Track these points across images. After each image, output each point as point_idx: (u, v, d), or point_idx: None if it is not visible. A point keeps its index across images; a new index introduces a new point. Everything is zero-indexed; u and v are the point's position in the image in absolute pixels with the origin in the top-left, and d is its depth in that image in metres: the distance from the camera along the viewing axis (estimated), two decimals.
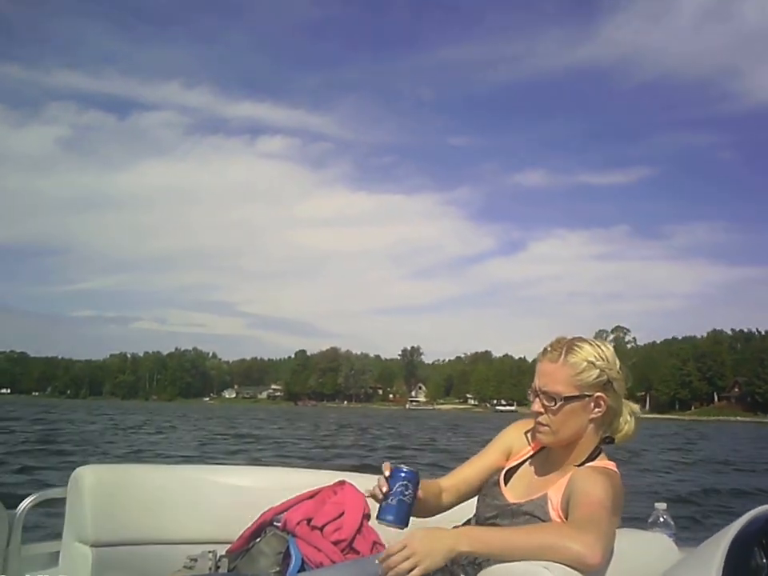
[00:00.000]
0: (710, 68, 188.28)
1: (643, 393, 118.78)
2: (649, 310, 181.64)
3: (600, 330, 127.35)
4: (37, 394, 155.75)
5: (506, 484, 1.85)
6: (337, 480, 2.46)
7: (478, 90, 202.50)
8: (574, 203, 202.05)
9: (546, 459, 1.85)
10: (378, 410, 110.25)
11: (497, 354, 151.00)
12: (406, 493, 1.66)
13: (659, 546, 1.79)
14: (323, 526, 2.24)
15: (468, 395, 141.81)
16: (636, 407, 1.85)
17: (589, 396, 1.73)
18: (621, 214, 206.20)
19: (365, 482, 2.46)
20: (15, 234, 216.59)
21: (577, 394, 1.73)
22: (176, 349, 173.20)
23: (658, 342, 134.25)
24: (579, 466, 1.76)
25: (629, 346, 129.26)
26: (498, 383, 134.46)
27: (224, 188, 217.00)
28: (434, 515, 1.91)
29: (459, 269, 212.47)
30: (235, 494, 2.53)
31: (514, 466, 1.89)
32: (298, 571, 2.10)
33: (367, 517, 2.32)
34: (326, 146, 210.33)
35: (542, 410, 1.76)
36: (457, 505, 1.95)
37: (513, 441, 1.93)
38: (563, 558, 1.42)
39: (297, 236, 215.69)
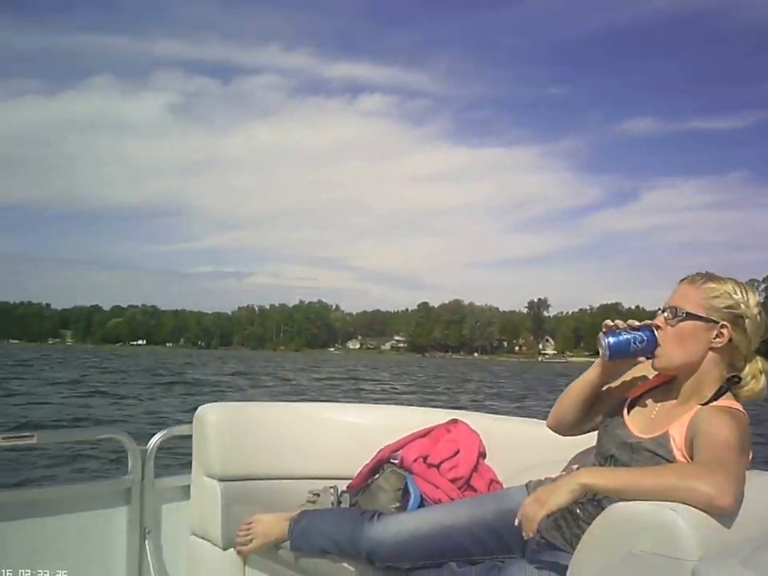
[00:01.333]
0: None
1: None
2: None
3: (751, 280, 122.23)
4: (170, 345, 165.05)
5: (628, 414, 1.83)
6: (450, 419, 2.50)
7: (578, 35, 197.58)
8: (685, 150, 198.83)
9: (669, 393, 1.80)
10: (509, 362, 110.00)
11: (627, 305, 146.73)
12: (637, 343, 1.73)
13: None
14: (439, 464, 2.28)
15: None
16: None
17: (714, 321, 1.69)
18: (737, 160, 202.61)
19: (478, 421, 2.53)
20: (137, 197, 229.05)
21: (702, 314, 1.69)
22: (300, 301, 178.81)
23: None
24: (704, 405, 1.70)
25: None
26: None
27: (329, 146, 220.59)
28: (576, 423, 1.94)
29: (567, 221, 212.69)
30: (354, 431, 2.62)
31: (637, 398, 1.86)
32: (418, 507, 2.16)
33: (482, 455, 2.36)
34: (424, 103, 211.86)
35: (663, 323, 1.74)
36: (588, 430, 1.95)
37: (638, 375, 1.90)
38: (691, 499, 1.36)
39: (400, 192, 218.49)
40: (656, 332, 1.73)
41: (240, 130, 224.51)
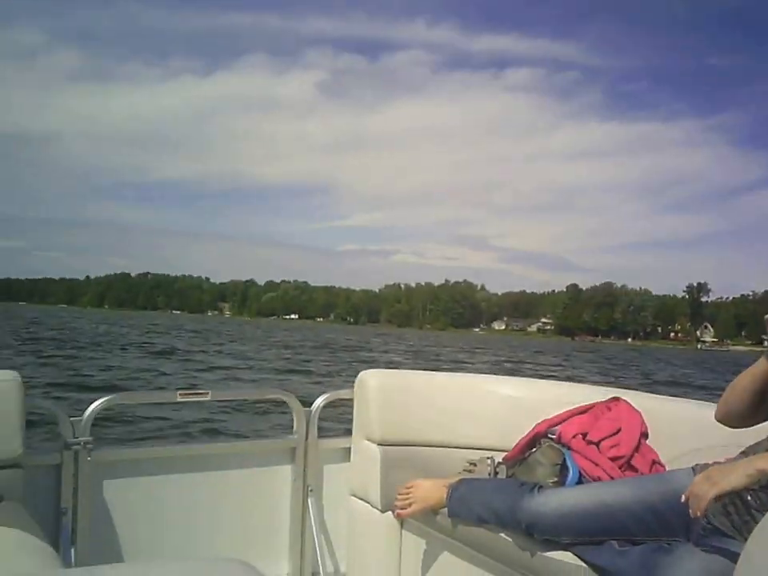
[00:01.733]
0: None
1: None
2: None
3: None
4: (320, 320, 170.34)
5: None
6: (611, 396, 2.44)
7: (735, 4, 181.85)
8: None
9: None
10: (665, 349, 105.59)
11: None
12: None
13: None
14: (599, 442, 2.23)
15: (764, 336, 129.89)
16: None
17: None
18: None
19: (640, 400, 2.44)
20: (287, 175, 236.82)
21: None
22: (446, 281, 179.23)
23: None
24: None
25: None
26: None
27: (474, 123, 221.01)
28: (748, 416, 1.87)
29: (724, 200, 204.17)
30: (510, 403, 2.61)
31: None
32: (576, 483, 2.13)
33: (645, 435, 2.29)
34: (572, 75, 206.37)
35: None
36: (761, 421, 1.88)
37: None
38: None
39: (546, 169, 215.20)
40: None
41: (386, 108, 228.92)
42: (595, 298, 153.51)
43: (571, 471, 2.17)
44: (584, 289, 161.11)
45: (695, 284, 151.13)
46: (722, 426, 1.98)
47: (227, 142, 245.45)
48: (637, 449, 2.25)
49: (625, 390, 2.60)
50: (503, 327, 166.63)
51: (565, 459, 2.22)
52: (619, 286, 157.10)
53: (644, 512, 1.88)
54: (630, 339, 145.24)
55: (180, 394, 2.48)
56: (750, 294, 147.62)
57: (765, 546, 1.39)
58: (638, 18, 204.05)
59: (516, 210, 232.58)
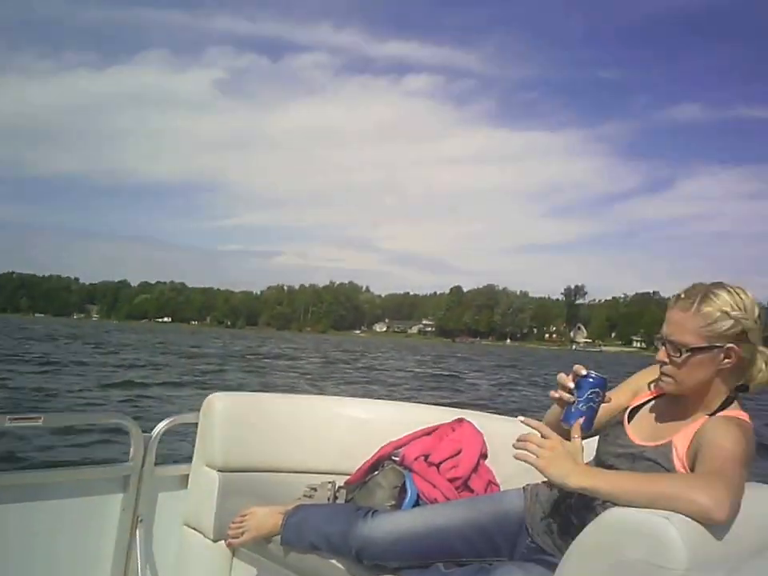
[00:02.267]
0: None
1: None
2: None
3: None
4: (195, 323, 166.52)
5: (629, 423, 1.82)
6: (456, 417, 2.49)
7: (631, 20, 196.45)
8: (728, 138, 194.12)
9: (674, 404, 1.78)
10: (538, 350, 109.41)
11: (665, 294, 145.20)
12: (597, 399, 1.68)
13: None
14: (440, 463, 2.28)
15: (634, 337, 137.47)
16: None
17: (719, 347, 1.65)
18: None
19: (484, 421, 2.52)
20: (175, 173, 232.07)
21: (705, 345, 1.65)
22: (330, 282, 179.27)
23: None
24: (711, 415, 1.69)
25: None
26: None
27: (369, 127, 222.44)
28: None
29: (602, 207, 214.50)
30: (356, 426, 2.62)
31: (639, 406, 1.85)
32: (413, 506, 2.16)
33: (484, 456, 2.35)
34: (469, 83, 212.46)
35: (667, 359, 1.70)
36: (588, 437, 1.92)
37: (643, 383, 1.88)
38: (687, 510, 1.37)
39: (436, 174, 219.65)
40: (592, 373, 1.68)
41: (283, 109, 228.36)
42: (477, 300, 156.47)
43: (409, 494, 2.21)
44: (467, 291, 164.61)
45: (572, 287, 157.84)
46: None
47: (114, 137, 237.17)
48: (475, 469, 2.32)
49: (471, 411, 2.65)
50: (384, 329, 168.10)
51: (405, 482, 2.25)
52: (501, 288, 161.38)
53: (473, 533, 1.92)
54: (508, 340, 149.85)
55: (9, 419, 2.33)
56: (622, 296, 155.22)
57: (578, 561, 1.45)
58: (536, 30, 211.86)
59: (403, 213, 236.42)
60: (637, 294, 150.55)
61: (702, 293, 1.68)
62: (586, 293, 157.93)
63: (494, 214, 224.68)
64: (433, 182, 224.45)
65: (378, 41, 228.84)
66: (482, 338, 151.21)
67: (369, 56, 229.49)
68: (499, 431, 2.46)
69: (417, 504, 2.19)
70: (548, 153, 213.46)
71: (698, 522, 1.36)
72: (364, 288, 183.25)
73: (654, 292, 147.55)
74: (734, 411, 1.70)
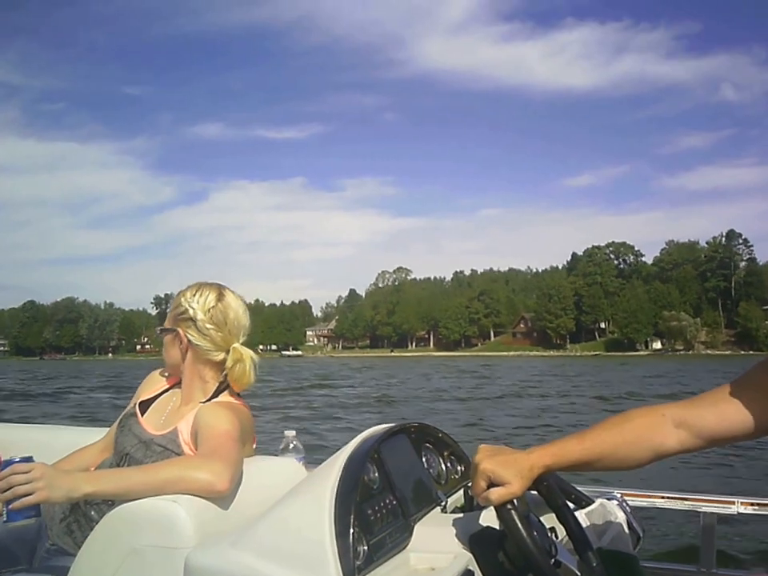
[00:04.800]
0: (377, 35, 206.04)
1: (425, 332, 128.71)
2: (322, 257, 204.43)
3: (383, 271, 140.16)
4: None
5: (142, 415, 2.00)
6: None
7: (156, 40, 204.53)
8: (253, 156, 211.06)
9: (178, 395, 2.04)
10: (140, 362, 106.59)
11: None
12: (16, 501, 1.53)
13: (289, 468, 1.97)
14: None
15: None
16: (249, 353, 2.00)
17: (174, 330, 2.00)
18: (298, 167, 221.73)
19: None
20: None
21: (168, 326, 2.02)
22: None
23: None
24: (205, 402, 1.94)
25: (409, 279, 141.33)
26: None
27: None
28: None
29: (140, 219, 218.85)
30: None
31: (150, 398, 2.06)
32: None
33: None
34: None
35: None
36: None
37: (145, 385, 2.13)
38: (192, 488, 1.53)
39: None
40: (15, 458, 1.58)
41: None
42: (58, 314, 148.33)
43: None
44: (44, 305, 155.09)
45: (163, 295, 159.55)
46: (65, 449, 2.14)
47: None
48: None
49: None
50: None
51: None
52: (82, 300, 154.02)
53: None
54: (97, 354, 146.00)
55: None
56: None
57: (92, 556, 1.55)
58: (59, 41, 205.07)
59: None
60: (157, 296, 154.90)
61: (192, 286, 2.05)
62: (170, 300, 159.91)
63: (32, 224, 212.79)
64: None
65: None
66: (68, 353, 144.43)
67: None
68: (13, 437, 2.53)
69: None
70: (80, 164, 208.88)
71: (204, 498, 1.54)
72: None
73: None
74: (225, 397, 1.98)
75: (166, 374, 2.11)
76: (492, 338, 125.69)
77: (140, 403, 2.03)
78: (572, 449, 1.48)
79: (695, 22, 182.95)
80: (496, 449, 1.50)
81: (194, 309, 1.96)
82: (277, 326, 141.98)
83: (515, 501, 1.41)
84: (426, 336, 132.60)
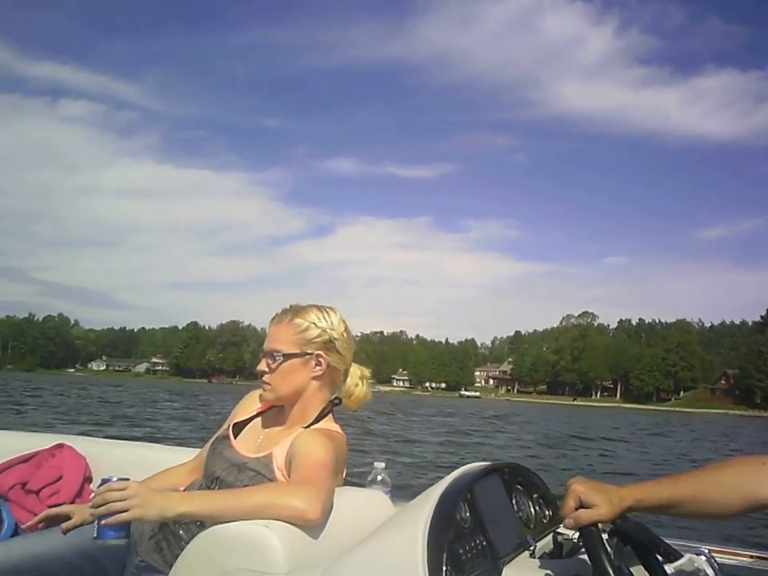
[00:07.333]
0: (511, 76, 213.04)
1: (610, 382, 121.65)
2: (443, 297, 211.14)
3: (567, 315, 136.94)
4: None
5: (235, 437, 2.01)
6: (55, 443, 2.61)
7: (291, 73, 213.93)
8: (381, 192, 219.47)
9: (275, 418, 2.03)
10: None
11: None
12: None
13: (376, 501, 1.95)
14: (39, 490, 2.36)
15: (394, 376, 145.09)
16: (366, 372, 2.05)
17: (309, 354, 1.94)
18: (424, 205, 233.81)
19: (86, 446, 2.67)
20: None
21: (297, 351, 1.93)
22: (29, 314, 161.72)
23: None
24: (306, 427, 1.93)
25: (595, 324, 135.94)
26: None
27: (21, 149, 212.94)
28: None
29: (268, 248, 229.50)
30: None
31: (244, 421, 2.06)
32: (11, 536, 2.15)
33: (88, 480, 2.49)
34: (132, 115, 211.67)
35: (266, 368, 1.96)
36: None
37: (241, 407, 2.13)
38: (284, 514, 1.54)
39: (98, 205, 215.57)
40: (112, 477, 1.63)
41: None
42: (222, 336, 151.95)
43: (6, 523, 2.20)
44: (205, 327, 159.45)
45: None
46: (164, 465, 2.19)
47: None
48: (79, 494, 2.43)
49: (70, 436, 2.79)
50: (103, 368, 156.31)
51: (0, 511, 2.25)
52: (246, 324, 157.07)
53: (76, 558, 1.89)
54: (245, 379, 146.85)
55: None
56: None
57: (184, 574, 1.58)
58: (198, 69, 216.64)
59: (62, 243, 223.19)
60: None
61: (294, 309, 2.00)
62: None
63: (157, 249, 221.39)
64: (94, 213, 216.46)
65: (29, 60, 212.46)
66: (229, 376, 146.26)
67: (19, 75, 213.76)
68: (103, 454, 2.66)
69: (15, 533, 2.18)
70: (213, 192, 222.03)
71: (295, 525, 1.54)
72: (73, 321, 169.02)
73: None
74: (327, 424, 1.97)
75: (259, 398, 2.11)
76: (681, 393, 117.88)
77: (234, 425, 2.05)
78: (665, 487, 1.51)
79: None
80: (590, 480, 1.55)
81: (332, 328, 1.98)
82: (450, 363, 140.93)
83: (600, 525, 1.46)
84: (611, 386, 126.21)
